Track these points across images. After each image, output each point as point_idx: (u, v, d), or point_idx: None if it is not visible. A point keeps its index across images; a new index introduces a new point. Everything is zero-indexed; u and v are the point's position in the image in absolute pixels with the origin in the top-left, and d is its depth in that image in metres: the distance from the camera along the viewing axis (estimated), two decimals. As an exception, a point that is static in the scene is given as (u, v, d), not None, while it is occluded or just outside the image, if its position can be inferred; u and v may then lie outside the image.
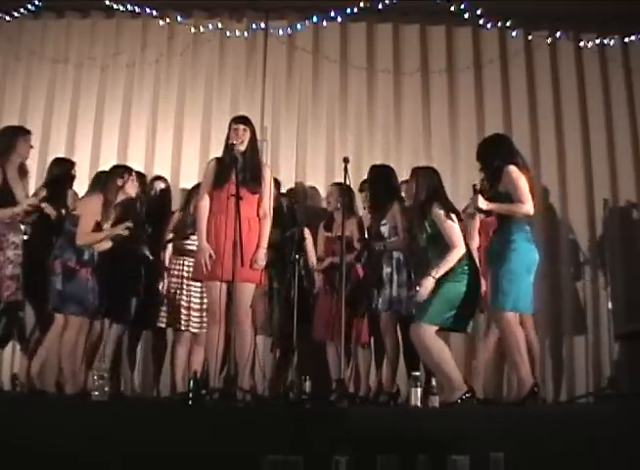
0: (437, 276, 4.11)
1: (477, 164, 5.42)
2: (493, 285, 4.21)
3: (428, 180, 4.36)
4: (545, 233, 5.92)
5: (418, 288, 4.16)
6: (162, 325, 5.09)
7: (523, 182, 4.16)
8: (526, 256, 4.20)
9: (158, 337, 5.34)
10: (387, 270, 4.86)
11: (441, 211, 4.19)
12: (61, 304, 4.62)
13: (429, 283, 4.11)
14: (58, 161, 5.23)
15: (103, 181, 4.87)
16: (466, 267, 4.16)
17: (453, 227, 4.18)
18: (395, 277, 4.84)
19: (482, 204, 4.18)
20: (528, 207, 4.15)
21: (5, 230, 4.57)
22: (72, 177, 5.15)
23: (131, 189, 4.90)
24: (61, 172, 5.06)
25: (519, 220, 4.20)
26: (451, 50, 6.45)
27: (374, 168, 5.16)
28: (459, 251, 4.15)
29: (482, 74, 6.40)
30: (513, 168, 4.18)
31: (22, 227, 4.73)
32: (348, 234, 4.98)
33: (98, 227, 4.73)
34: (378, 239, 4.94)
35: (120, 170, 4.95)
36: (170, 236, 5.15)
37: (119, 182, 4.84)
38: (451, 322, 4.15)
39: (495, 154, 4.29)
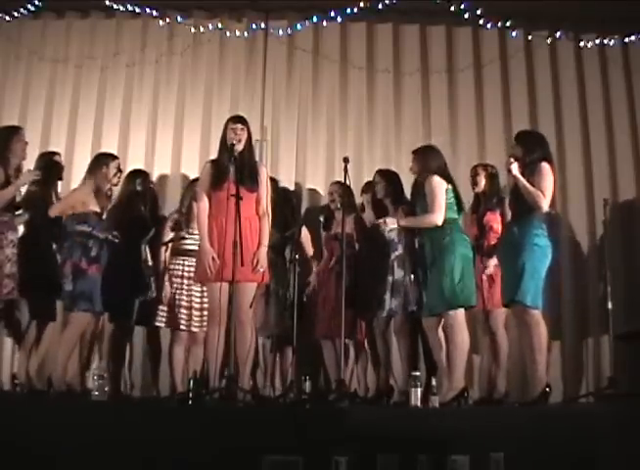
0: (401, 224, 4.56)
1: (475, 164, 5.46)
2: (512, 278, 4.25)
3: (432, 158, 4.61)
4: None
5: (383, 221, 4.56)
6: (162, 325, 5.08)
7: (550, 179, 4.33)
8: (547, 252, 4.29)
9: (151, 337, 5.32)
10: (399, 273, 4.83)
11: (438, 180, 4.44)
12: (71, 303, 4.63)
13: (392, 224, 4.52)
14: (41, 155, 5.19)
15: (88, 170, 4.90)
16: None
17: (440, 198, 4.41)
18: (407, 280, 4.80)
19: (515, 169, 4.33)
20: (546, 202, 4.30)
21: (4, 229, 4.60)
22: (59, 166, 5.12)
23: (115, 177, 4.91)
24: (45, 164, 5.02)
25: (539, 216, 4.32)
26: (451, 50, 6.44)
27: (381, 173, 5.19)
28: (433, 219, 4.40)
29: (482, 74, 6.40)
30: (547, 166, 4.35)
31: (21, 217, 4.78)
32: (349, 231, 4.99)
33: (97, 216, 4.73)
34: (380, 240, 4.95)
35: (104, 158, 4.96)
36: (169, 237, 5.14)
37: (104, 169, 4.83)
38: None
39: (538, 145, 4.47)
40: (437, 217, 4.39)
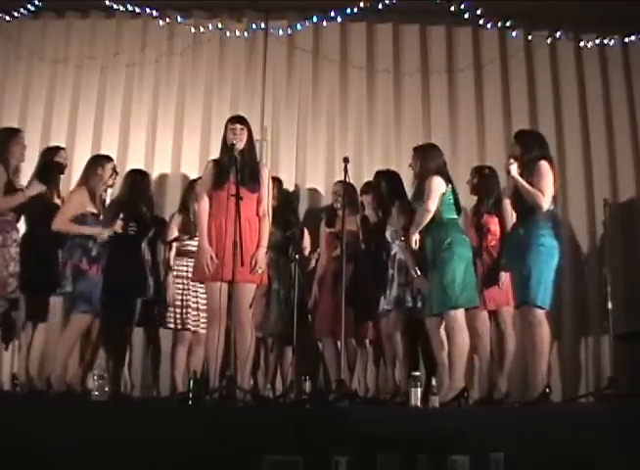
0: (415, 238, 4.45)
1: (475, 164, 5.47)
2: (521, 280, 4.26)
3: (431, 157, 4.58)
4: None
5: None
6: (172, 326, 5.08)
7: (550, 178, 4.33)
8: (553, 252, 4.28)
9: (151, 337, 5.32)
10: (390, 271, 4.86)
11: (439, 180, 4.42)
12: (71, 304, 4.65)
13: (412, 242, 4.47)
14: (44, 151, 5.18)
15: (84, 172, 4.89)
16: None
17: (435, 194, 4.38)
18: (397, 278, 4.82)
19: (514, 170, 4.33)
20: (546, 200, 4.29)
21: (8, 227, 4.62)
22: (59, 164, 5.07)
23: (111, 179, 4.92)
24: (45, 161, 5.02)
25: (544, 216, 4.30)
26: (451, 50, 6.44)
27: (382, 174, 5.19)
28: (426, 209, 4.37)
29: (482, 74, 6.40)
30: (546, 164, 4.35)
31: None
32: (355, 229, 5.02)
33: (94, 217, 4.74)
34: (381, 241, 4.95)
35: (99, 159, 4.96)
36: (173, 237, 5.14)
37: (99, 171, 4.84)
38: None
39: (537, 144, 4.47)
40: (430, 205, 4.39)
